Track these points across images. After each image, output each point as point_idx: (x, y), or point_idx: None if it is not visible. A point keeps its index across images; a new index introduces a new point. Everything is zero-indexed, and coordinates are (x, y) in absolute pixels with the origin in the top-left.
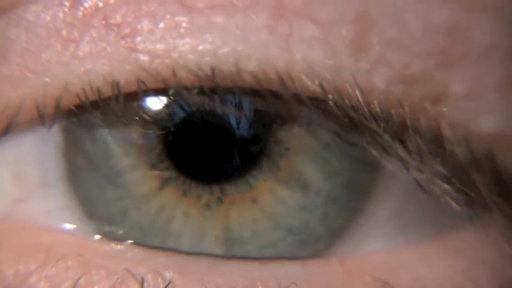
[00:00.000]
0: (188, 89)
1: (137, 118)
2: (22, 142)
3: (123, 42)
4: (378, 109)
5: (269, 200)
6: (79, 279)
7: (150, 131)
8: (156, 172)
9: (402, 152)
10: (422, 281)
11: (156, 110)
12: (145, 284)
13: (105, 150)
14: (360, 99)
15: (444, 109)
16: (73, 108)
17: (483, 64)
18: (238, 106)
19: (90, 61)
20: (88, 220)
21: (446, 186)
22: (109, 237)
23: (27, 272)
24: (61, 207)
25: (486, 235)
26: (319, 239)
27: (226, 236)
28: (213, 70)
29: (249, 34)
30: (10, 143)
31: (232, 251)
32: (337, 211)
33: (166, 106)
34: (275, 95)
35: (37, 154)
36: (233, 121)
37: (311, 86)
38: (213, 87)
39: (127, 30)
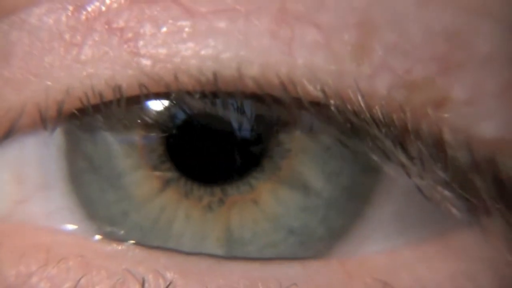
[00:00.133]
0: (189, 93)
1: (139, 121)
2: (24, 144)
3: (125, 46)
4: (379, 114)
5: (270, 201)
6: (80, 279)
7: (152, 134)
8: (157, 173)
9: (403, 158)
10: (422, 282)
11: (157, 113)
12: (146, 285)
13: (106, 152)
14: (362, 104)
15: (446, 114)
16: (75, 111)
17: (485, 69)
18: (240, 110)
19: (92, 65)
20: (89, 221)
21: (447, 192)
22: (110, 237)
23: (28, 273)
24: (62, 208)
25: (486, 240)
26: (320, 240)
27: (227, 237)
28: (215, 75)
29: (251, 39)
30: (12, 145)
31: (233, 252)
32: (338, 212)
33: (168, 109)
34: (276, 100)
35: (38, 155)
36: (234, 123)
37: (313, 91)
38: (215, 92)
39: (130, 35)
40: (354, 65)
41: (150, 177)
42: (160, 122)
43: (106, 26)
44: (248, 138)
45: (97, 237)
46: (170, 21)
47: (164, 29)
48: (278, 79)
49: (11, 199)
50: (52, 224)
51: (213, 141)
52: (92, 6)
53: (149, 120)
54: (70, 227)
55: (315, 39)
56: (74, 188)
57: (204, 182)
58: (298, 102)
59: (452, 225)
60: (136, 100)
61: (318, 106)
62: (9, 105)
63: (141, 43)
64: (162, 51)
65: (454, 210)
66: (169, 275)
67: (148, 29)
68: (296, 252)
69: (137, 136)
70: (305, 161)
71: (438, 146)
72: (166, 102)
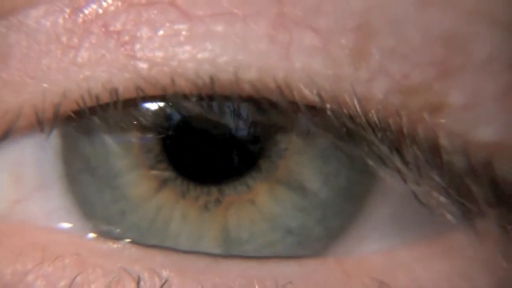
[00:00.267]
0: (186, 96)
1: (135, 122)
2: (21, 145)
3: (122, 49)
4: (375, 118)
5: (267, 201)
6: (75, 277)
7: (149, 135)
8: (154, 173)
9: (399, 164)
10: (418, 282)
11: (154, 115)
12: (142, 283)
13: (103, 152)
14: (358, 108)
15: (443, 119)
16: (72, 114)
17: (483, 74)
18: (236, 113)
19: (89, 68)
20: (85, 220)
21: (442, 198)
22: (107, 236)
23: (24, 271)
24: (59, 208)
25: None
26: (317, 240)
27: (224, 237)
28: (212, 78)
29: (248, 43)
30: (10, 146)
31: (230, 252)
32: (335, 212)
33: (165, 110)
34: (273, 104)
35: (35, 156)
36: (231, 123)
37: (310, 95)
38: (211, 95)
39: (127, 38)
40: (352, 70)
41: (146, 177)
42: (156, 124)
43: (103, 29)
44: (245, 138)
45: (93, 235)
46: (167, 24)
47: (161, 32)
48: (275, 83)
49: (8, 199)
50: (49, 223)
51: (210, 141)
52: (89, 9)
53: (146, 122)
54: (67, 225)
55: (313, 43)
56: (71, 188)
57: (201, 182)
58: (295, 107)
59: (449, 226)
60: (133, 103)
61: (315, 110)
62: (7, 107)
63: (138, 46)
64: (159, 54)
65: (449, 216)
66: (164, 274)
67: (145, 32)
68: (293, 252)
69: (133, 137)
70: (302, 161)
71: (434, 151)
72: (162, 104)
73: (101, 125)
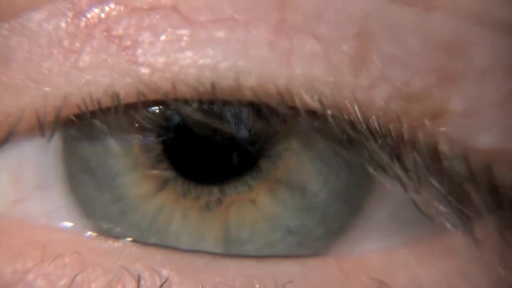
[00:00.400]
0: (187, 101)
1: (136, 125)
2: (22, 147)
3: (124, 54)
4: (376, 124)
5: (268, 201)
6: (76, 276)
7: (150, 137)
8: (154, 173)
9: (399, 172)
10: (418, 281)
11: (155, 118)
12: (142, 282)
13: (103, 151)
14: (359, 115)
15: (443, 125)
16: (73, 118)
17: (483, 80)
18: (237, 116)
19: (90, 72)
20: (86, 219)
21: (442, 207)
22: (107, 235)
23: (24, 270)
24: (60, 207)
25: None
26: (317, 240)
27: (225, 237)
28: (213, 84)
29: (250, 49)
30: (11, 148)
31: (231, 252)
32: (335, 211)
33: (165, 113)
34: (273, 110)
35: (36, 157)
36: (232, 127)
37: (311, 101)
38: (212, 100)
39: (128, 42)
40: (352, 76)
41: (147, 177)
42: (157, 126)
43: (105, 33)
44: (245, 139)
45: (94, 234)
46: (169, 29)
47: (163, 38)
48: (276, 89)
49: (9, 199)
50: (49, 222)
51: (210, 141)
52: (92, 13)
53: (147, 125)
54: (67, 224)
55: (313, 50)
56: (71, 188)
57: (201, 182)
58: (295, 112)
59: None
60: (134, 106)
61: (315, 117)
62: (8, 110)
63: (139, 51)
64: (161, 59)
65: (448, 225)
66: (165, 272)
67: (147, 37)
68: (293, 252)
69: (134, 138)
70: (303, 161)
71: (434, 157)
72: (163, 108)
73: (102, 128)
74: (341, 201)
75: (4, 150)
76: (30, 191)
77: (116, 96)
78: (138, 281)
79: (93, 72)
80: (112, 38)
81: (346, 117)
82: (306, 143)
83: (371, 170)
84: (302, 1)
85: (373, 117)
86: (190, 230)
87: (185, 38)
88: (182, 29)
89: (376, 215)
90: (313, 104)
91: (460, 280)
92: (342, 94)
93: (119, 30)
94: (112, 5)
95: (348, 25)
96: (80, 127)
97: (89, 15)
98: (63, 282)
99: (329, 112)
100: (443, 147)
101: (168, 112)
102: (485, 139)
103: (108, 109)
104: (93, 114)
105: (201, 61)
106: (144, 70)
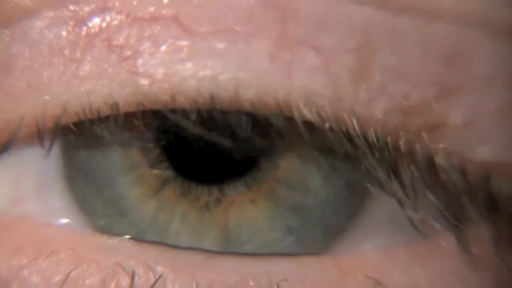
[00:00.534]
0: (185, 111)
1: (135, 133)
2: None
3: (124, 64)
4: (374, 137)
5: (267, 201)
6: (70, 272)
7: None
8: (154, 173)
9: (397, 189)
10: (414, 280)
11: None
12: (136, 278)
13: (103, 152)
14: (357, 128)
15: (441, 137)
16: (72, 126)
17: (483, 92)
18: (236, 125)
19: (90, 82)
20: (83, 217)
21: (438, 225)
22: (104, 233)
23: (19, 266)
24: (58, 207)
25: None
26: (317, 239)
27: (225, 236)
28: (212, 96)
29: (250, 61)
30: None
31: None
32: (335, 211)
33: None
34: (272, 124)
35: (36, 160)
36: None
37: (309, 114)
38: (211, 110)
39: (129, 53)
40: (352, 90)
41: (147, 177)
42: (156, 131)
43: (106, 43)
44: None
45: (90, 231)
46: (170, 40)
47: (163, 48)
48: (275, 101)
49: (7, 198)
50: (46, 219)
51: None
52: (93, 22)
53: (146, 131)
54: (63, 221)
55: (314, 63)
56: (71, 187)
57: (201, 181)
58: (293, 124)
59: None
60: (133, 114)
61: (313, 130)
62: (8, 117)
63: (139, 61)
64: (161, 70)
65: (444, 244)
66: (159, 269)
67: (147, 47)
68: (293, 252)
69: (133, 143)
70: (302, 161)
71: (431, 170)
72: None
73: (101, 132)
74: (341, 201)
75: (4, 155)
76: (29, 191)
77: (115, 105)
78: (132, 278)
79: (93, 81)
80: (112, 47)
81: (343, 129)
82: (304, 151)
83: (368, 186)
84: (303, 14)
85: (371, 130)
86: (189, 230)
87: (185, 49)
88: (183, 40)
89: (375, 215)
90: (311, 116)
91: (457, 280)
92: (340, 107)
93: (120, 40)
94: (113, 15)
95: (349, 38)
96: (79, 133)
97: (90, 24)
98: (57, 278)
99: (327, 125)
100: (441, 160)
101: (168, 123)
102: (483, 151)
103: (107, 117)
104: (92, 121)
105: (201, 73)
106: (144, 81)
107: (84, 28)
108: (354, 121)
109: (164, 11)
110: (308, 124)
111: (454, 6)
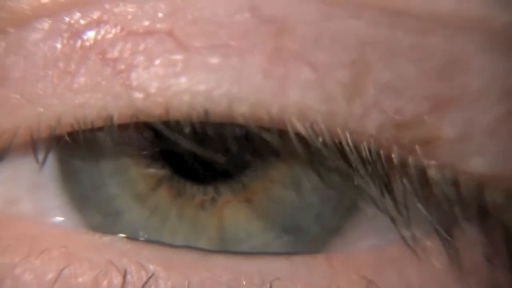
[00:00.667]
0: (180, 125)
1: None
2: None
3: (118, 77)
4: (367, 151)
5: (263, 200)
6: (62, 270)
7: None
8: (150, 172)
9: (389, 205)
10: (407, 280)
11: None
12: (128, 276)
13: (99, 150)
14: (350, 142)
15: (434, 151)
16: (66, 137)
17: (476, 105)
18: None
19: (84, 95)
20: (77, 215)
21: (429, 243)
22: (98, 231)
23: (12, 264)
24: (53, 206)
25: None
26: (312, 239)
27: (220, 236)
28: (206, 110)
29: (244, 76)
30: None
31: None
32: (330, 210)
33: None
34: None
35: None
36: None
37: (302, 129)
38: (204, 123)
39: (123, 66)
40: (345, 104)
41: (143, 176)
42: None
43: (100, 56)
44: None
45: (83, 229)
46: (164, 54)
47: (157, 62)
48: (268, 116)
49: (1, 197)
50: (39, 217)
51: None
52: (88, 35)
53: (142, 140)
54: (57, 219)
55: (308, 78)
56: (67, 186)
57: (197, 181)
58: (287, 138)
59: None
60: (127, 125)
61: (307, 146)
62: (3, 127)
63: (133, 75)
64: (155, 84)
65: (436, 263)
66: (151, 267)
67: (141, 61)
68: (288, 251)
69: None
70: (297, 161)
71: (424, 182)
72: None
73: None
74: (336, 200)
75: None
76: (25, 190)
77: (109, 118)
78: (125, 276)
79: (87, 94)
80: (107, 61)
81: (337, 144)
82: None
83: (361, 204)
84: (298, 29)
85: (364, 143)
86: (185, 229)
87: (179, 63)
88: (177, 54)
89: (369, 214)
90: (304, 131)
91: (450, 280)
92: (334, 122)
93: (114, 53)
94: (108, 28)
95: (343, 53)
96: (73, 142)
97: (85, 37)
98: (50, 276)
99: (320, 140)
100: (433, 172)
101: (162, 135)
102: (476, 164)
103: (101, 128)
104: (86, 131)
105: (195, 87)
106: (138, 95)
107: (79, 41)
108: (348, 136)
109: (158, 26)
110: (302, 139)
111: (447, 20)
